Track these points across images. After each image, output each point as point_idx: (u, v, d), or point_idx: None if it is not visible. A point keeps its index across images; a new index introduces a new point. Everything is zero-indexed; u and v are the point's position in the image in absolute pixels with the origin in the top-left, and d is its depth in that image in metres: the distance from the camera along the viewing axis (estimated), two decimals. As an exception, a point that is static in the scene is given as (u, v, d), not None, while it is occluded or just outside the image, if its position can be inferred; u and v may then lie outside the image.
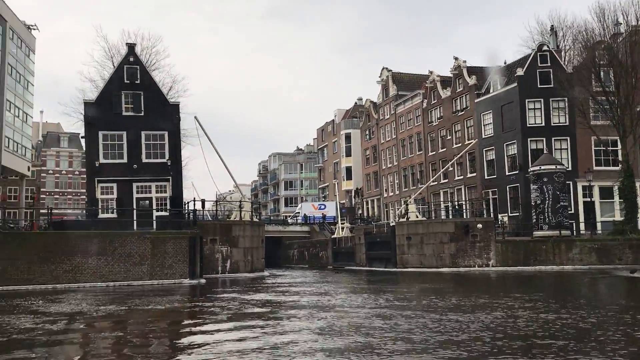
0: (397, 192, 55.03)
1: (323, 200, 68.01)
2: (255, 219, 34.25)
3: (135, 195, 32.54)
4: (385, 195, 57.33)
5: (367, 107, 60.90)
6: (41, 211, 58.53)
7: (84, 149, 34.39)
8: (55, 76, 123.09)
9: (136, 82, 33.22)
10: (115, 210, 31.76)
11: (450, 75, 48.05)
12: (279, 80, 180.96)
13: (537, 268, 31.89)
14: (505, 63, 45.78)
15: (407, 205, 36.72)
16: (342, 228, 45.32)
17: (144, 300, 17.02)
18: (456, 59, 46.93)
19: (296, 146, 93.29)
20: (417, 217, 35.99)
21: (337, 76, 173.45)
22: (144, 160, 32.84)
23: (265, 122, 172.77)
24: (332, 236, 45.76)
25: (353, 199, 63.37)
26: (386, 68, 56.92)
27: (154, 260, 25.34)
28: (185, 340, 9.79)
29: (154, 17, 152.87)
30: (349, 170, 63.52)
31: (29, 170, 56.09)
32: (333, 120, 70.12)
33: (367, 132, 60.74)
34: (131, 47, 34.01)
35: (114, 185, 32.21)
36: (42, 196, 70.36)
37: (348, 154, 63.68)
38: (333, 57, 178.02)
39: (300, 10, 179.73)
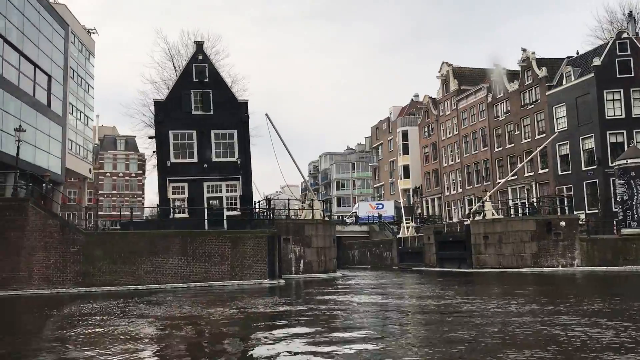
0: (460, 190, 53.31)
1: (378, 200, 66.73)
2: (325, 218, 33.30)
3: (206, 195, 32.11)
4: (446, 193, 55.65)
5: (425, 103, 59.30)
6: (99, 213, 59.37)
7: (155, 148, 34.08)
8: (108, 79, 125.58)
9: (205, 80, 32.77)
10: (187, 210, 31.38)
11: (518, 68, 46.11)
12: (326, 80, 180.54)
13: (627, 268, 29.95)
14: (577, 53, 43.69)
15: (482, 202, 35.14)
16: (408, 228, 43.98)
17: (245, 302, 16.14)
18: (524, 50, 44.99)
19: (346, 146, 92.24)
20: (493, 215, 34.43)
21: (384, 75, 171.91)
22: (214, 159, 32.39)
23: (313, 122, 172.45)
24: (397, 236, 44.45)
25: (411, 198, 61.82)
26: (446, 62, 55.26)
27: (234, 260, 24.66)
28: (342, 336, 8.75)
29: (202, 21, 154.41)
30: (406, 168, 62.00)
31: (90, 172, 56.84)
32: (388, 118, 68.72)
33: (426, 129, 59.12)
34: (199, 45, 33.57)
35: (185, 184, 31.84)
36: (99, 198, 71.39)
37: (405, 151, 62.16)
38: (380, 56, 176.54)
39: (345, 10, 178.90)
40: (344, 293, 19.25)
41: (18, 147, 28.55)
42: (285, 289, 23.03)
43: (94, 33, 57.58)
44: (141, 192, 74.60)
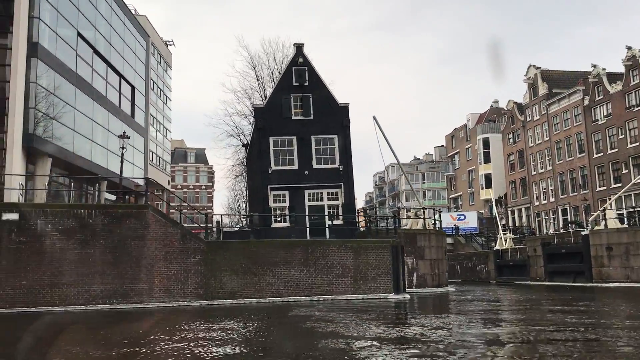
0: (552, 200, 50.20)
1: (455, 210, 64.07)
2: (437, 228, 31.24)
3: (307, 203, 30.65)
4: (536, 203, 52.58)
5: (509, 108, 56.54)
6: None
7: (249, 155, 32.92)
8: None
9: (305, 84, 31.47)
10: (288, 219, 29.97)
11: (621, 69, 43.09)
12: (386, 92, 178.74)
13: None
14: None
15: (603, 210, 32.36)
16: (506, 239, 41.32)
17: (419, 320, 14.21)
18: (629, 48, 41.98)
19: (413, 156, 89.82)
20: (615, 224, 31.59)
21: (446, 85, 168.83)
22: (315, 166, 30.94)
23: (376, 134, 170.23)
24: (495, 248, 41.86)
25: (494, 209, 58.88)
26: (533, 65, 52.50)
27: (357, 272, 22.80)
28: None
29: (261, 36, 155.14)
30: (488, 177, 59.17)
31: (168, 184, 56.52)
32: (465, 125, 66.13)
33: (511, 136, 56.28)
34: (299, 47, 32.21)
35: (286, 192, 30.48)
36: (171, 211, 71.20)
37: (486, 160, 59.38)
38: (439, 67, 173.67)
39: (403, 22, 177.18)
40: (502, 311, 17.09)
41: (122, 154, 27.77)
42: (418, 304, 21.02)
43: (171, 45, 57.58)
44: (210, 204, 74.15)
